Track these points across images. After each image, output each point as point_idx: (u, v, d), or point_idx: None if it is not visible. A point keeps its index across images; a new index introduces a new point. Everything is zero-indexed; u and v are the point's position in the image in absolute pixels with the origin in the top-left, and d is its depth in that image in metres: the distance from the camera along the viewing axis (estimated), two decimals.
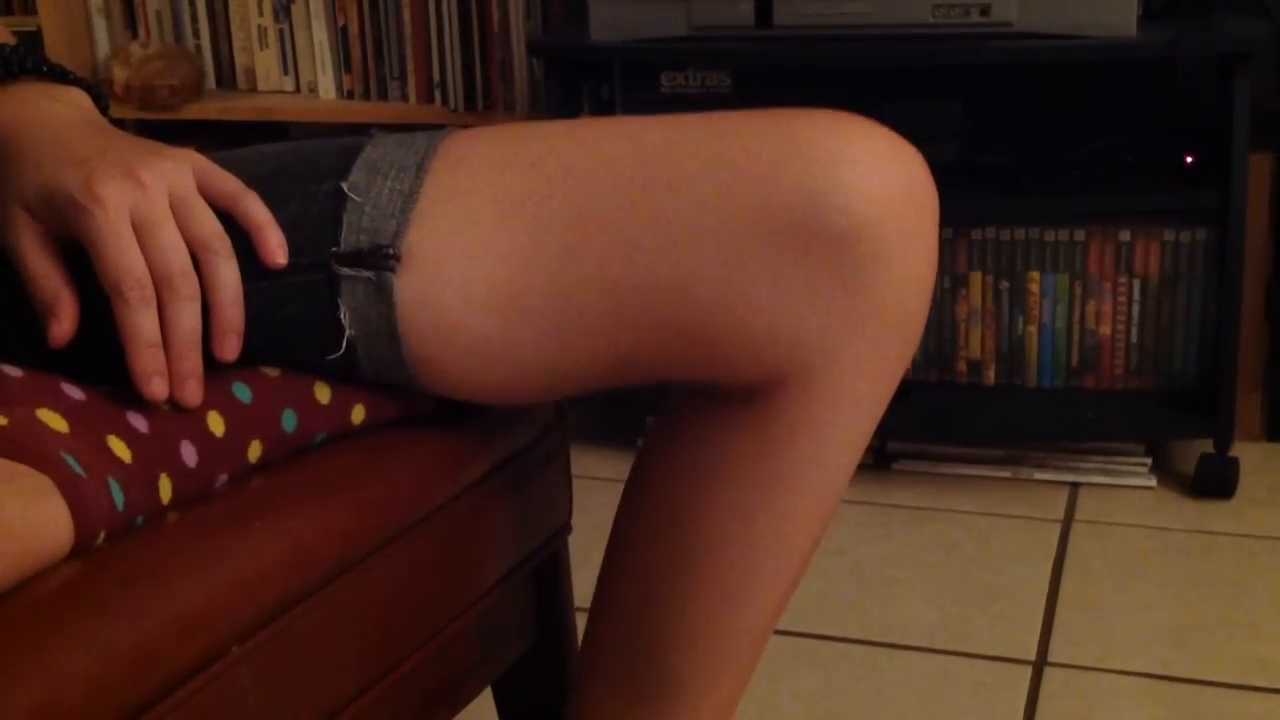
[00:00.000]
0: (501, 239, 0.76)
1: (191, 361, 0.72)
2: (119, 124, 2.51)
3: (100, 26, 2.44)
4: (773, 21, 1.79)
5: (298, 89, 2.37)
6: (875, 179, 0.73)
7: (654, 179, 0.75)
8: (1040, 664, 1.50)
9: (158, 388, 0.71)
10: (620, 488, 0.90)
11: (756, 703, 1.43)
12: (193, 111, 2.32)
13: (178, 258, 0.72)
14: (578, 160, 0.77)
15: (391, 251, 0.76)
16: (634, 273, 0.75)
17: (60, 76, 0.80)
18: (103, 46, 2.45)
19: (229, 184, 0.76)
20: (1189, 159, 1.86)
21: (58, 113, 0.77)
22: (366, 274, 0.76)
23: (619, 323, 0.76)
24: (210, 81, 2.41)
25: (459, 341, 0.77)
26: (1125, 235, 1.91)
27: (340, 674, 0.77)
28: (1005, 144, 1.95)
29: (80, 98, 0.80)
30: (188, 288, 0.72)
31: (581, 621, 0.94)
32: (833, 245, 0.73)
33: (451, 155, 0.79)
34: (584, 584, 0.93)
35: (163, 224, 0.72)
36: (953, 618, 1.59)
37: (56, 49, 2.38)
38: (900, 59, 1.81)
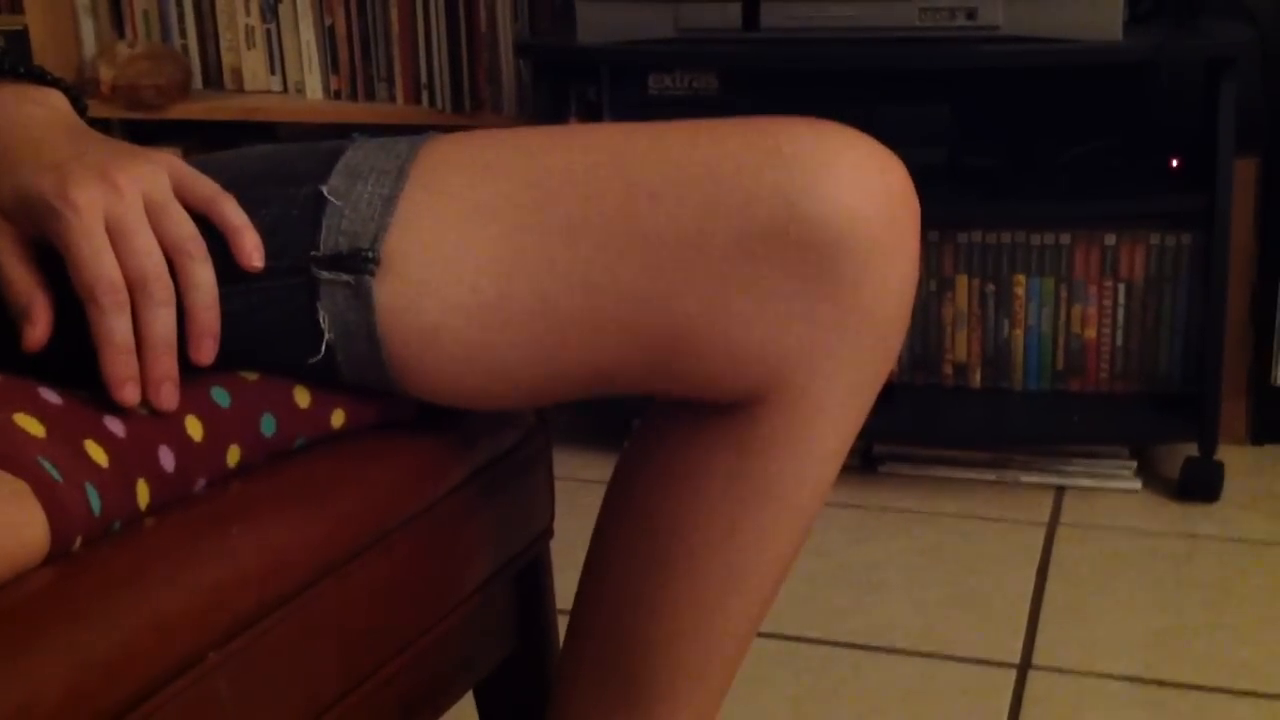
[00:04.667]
0: (482, 246, 0.76)
1: (166, 365, 0.72)
2: (105, 124, 2.48)
3: (87, 26, 2.44)
4: (760, 24, 1.79)
5: (285, 89, 2.37)
6: (855, 188, 0.73)
7: (635, 188, 0.75)
8: (1024, 667, 1.50)
9: (130, 393, 0.71)
10: (605, 490, 0.90)
11: (740, 706, 1.43)
12: (179, 111, 2.32)
13: (152, 262, 0.72)
14: (559, 167, 0.77)
15: (371, 255, 0.75)
16: (615, 283, 0.75)
17: (38, 78, 0.80)
18: (89, 46, 2.44)
19: (205, 187, 0.76)
20: (1174, 163, 1.87)
21: (33, 115, 0.76)
22: (346, 278, 0.76)
23: (600, 334, 0.76)
24: (197, 81, 2.40)
25: (439, 347, 0.76)
26: (1111, 239, 1.92)
27: (319, 680, 0.77)
28: (991, 147, 1.95)
29: (57, 100, 0.79)
30: (162, 292, 0.72)
31: (564, 624, 0.94)
32: (813, 254, 0.73)
33: (432, 160, 0.79)
34: (568, 586, 0.93)
35: (137, 228, 0.72)
36: (937, 621, 1.59)
37: (43, 48, 2.37)
38: (887, 62, 1.82)
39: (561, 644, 0.94)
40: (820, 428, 0.79)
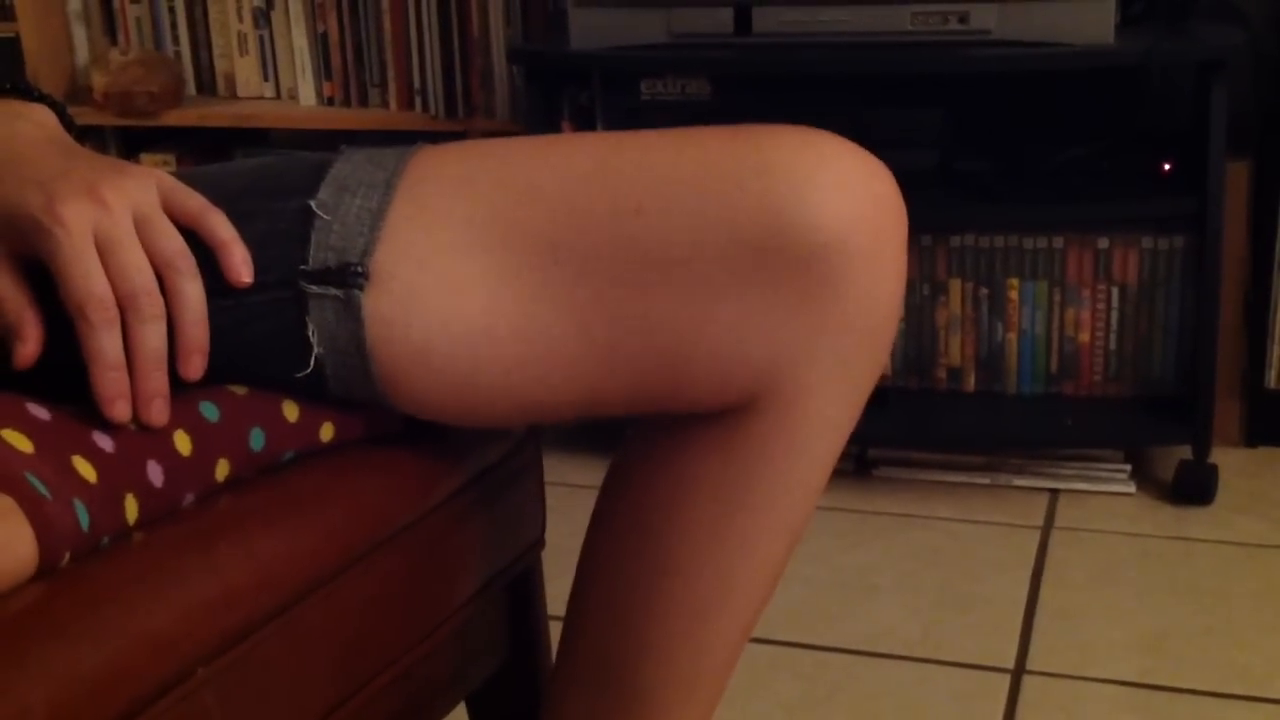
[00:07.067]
0: (471, 263, 0.76)
1: (156, 381, 0.72)
2: (98, 131, 2.47)
3: (80, 33, 2.43)
4: (752, 29, 1.80)
5: (278, 95, 2.37)
6: (842, 197, 0.73)
7: (623, 201, 0.75)
8: (1019, 672, 1.50)
9: (120, 410, 0.71)
10: (596, 497, 0.90)
11: (736, 711, 1.43)
12: (172, 118, 2.32)
13: (141, 277, 0.72)
14: (547, 181, 0.77)
15: (360, 269, 0.75)
16: (601, 299, 0.75)
17: (24, 94, 0.80)
18: (82, 53, 2.44)
19: (193, 202, 0.76)
20: (1166, 166, 1.87)
21: (20, 132, 0.76)
22: (335, 292, 0.76)
23: (589, 349, 0.76)
24: (190, 88, 2.40)
25: (427, 362, 0.76)
26: (1104, 242, 1.92)
27: (309, 695, 0.77)
28: (984, 151, 1.95)
29: (45, 116, 0.79)
30: (152, 307, 0.72)
31: (556, 630, 0.94)
32: (800, 264, 0.73)
33: (420, 173, 0.79)
34: (561, 591, 0.93)
35: (126, 244, 0.72)
36: (932, 625, 1.59)
37: (36, 56, 2.37)
38: (879, 67, 1.82)
39: (554, 654, 0.94)
40: (808, 435, 0.79)
